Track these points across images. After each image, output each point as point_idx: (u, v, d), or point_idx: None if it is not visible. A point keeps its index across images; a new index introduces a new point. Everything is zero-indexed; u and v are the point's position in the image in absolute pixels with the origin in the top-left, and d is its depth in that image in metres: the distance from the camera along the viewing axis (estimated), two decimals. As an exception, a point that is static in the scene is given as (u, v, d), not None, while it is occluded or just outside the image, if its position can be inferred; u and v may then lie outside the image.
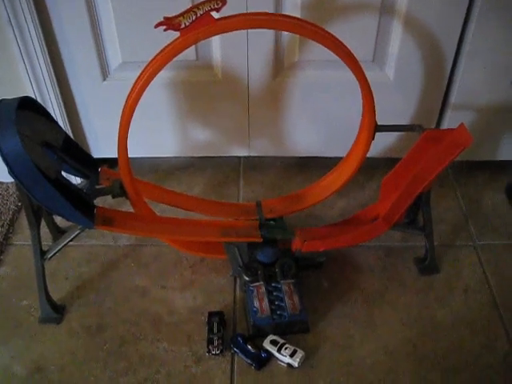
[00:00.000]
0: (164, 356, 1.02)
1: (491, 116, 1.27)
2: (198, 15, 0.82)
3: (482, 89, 1.23)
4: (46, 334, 1.06)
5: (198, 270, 1.17)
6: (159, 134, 1.33)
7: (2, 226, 1.26)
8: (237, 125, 1.32)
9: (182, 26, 0.82)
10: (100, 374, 0.99)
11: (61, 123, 1.26)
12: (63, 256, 1.16)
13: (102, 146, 1.35)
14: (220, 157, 1.41)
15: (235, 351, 1.01)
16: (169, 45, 0.86)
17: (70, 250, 1.17)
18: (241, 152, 1.38)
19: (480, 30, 1.13)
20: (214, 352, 1.01)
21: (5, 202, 1.32)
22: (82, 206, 0.95)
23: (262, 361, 1.00)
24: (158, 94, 1.23)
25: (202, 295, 1.12)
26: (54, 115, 1.23)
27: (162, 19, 0.81)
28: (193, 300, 1.11)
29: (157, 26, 0.81)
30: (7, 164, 0.84)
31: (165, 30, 0.81)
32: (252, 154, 1.38)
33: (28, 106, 0.94)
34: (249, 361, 1.00)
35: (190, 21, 0.82)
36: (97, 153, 1.36)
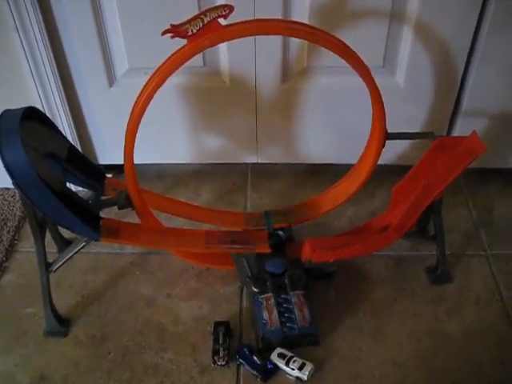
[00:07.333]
0: (169, 366, 1.01)
1: (503, 123, 1.25)
2: (206, 22, 0.80)
3: (495, 95, 1.21)
4: (50, 342, 1.05)
5: (204, 278, 1.16)
6: (167, 141, 1.32)
7: (8, 232, 1.25)
8: (245, 131, 1.30)
9: (189, 33, 0.81)
10: (104, 384, 0.98)
11: (67, 129, 1.25)
12: (68, 263, 1.14)
13: (108, 153, 1.34)
14: (228, 163, 1.40)
15: (241, 362, 1.00)
16: (176, 52, 0.85)
17: (75, 257, 1.13)
18: (249, 159, 1.37)
19: (492, 35, 1.11)
20: (219, 363, 0.99)
21: (11, 208, 1.31)
22: (88, 218, 0.94)
23: (268, 372, 0.98)
24: (164, 99, 1.21)
25: (208, 304, 1.11)
26: (60, 122, 1.23)
27: (169, 26, 0.80)
28: (198, 309, 1.10)
29: (164, 33, 0.80)
30: (11, 175, 0.83)
31: (172, 37, 0.80)
32: (260, 161, 1.37)
33: (32, 117, 0.93)
34: (255, 372, 0.98)
35: (198, 28, 0.81)
36: (103, 159, 1.35)
